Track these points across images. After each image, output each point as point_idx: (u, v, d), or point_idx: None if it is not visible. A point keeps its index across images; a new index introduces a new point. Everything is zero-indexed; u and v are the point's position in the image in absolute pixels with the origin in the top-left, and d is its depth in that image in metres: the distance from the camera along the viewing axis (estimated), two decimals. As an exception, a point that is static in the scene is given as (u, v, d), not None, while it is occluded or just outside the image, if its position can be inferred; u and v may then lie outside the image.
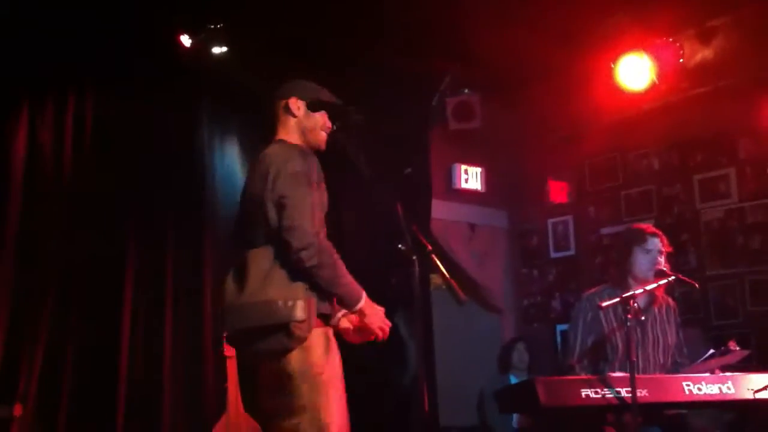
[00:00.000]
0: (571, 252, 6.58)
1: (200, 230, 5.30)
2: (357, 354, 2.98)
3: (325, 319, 2.73)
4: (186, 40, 4.82)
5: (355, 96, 3.19)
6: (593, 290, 4.01)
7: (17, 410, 4.30)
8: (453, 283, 3.11)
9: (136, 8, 4.47)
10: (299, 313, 2.62)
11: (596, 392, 3.36)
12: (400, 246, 2.79)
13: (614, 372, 3.68)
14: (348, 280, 2.72)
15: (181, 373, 5.07)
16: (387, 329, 2.77)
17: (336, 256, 2.70)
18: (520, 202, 6.93)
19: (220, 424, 4.74)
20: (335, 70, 3.20)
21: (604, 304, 3.53)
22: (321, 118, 2.97)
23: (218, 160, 5.50)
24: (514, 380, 5.73)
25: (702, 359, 3.83)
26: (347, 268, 2.71)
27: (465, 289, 3.48)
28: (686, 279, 3.82)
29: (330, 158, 3.01)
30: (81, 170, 4.85)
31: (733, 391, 3.54)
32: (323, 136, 2.97)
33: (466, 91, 6.17)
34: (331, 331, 2.76)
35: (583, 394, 3.33)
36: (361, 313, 2.75)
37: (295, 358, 2.65)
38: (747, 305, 5.46)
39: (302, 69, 4.62)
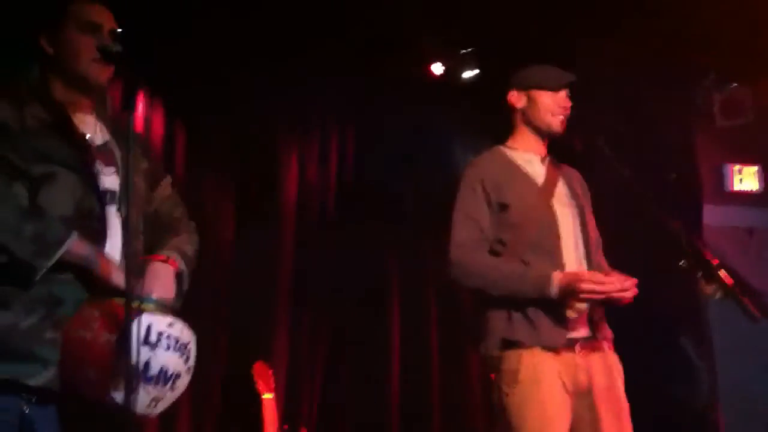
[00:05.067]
0: None
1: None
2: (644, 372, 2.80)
3: None
4: (437, 68, 4.88)
5: (614, 101, 3.01)
6: None
7: (303, 433, 4.55)
8: (745, 300, 2.82)
9: (388, 44, 4.60)
10: None
11: None
12: (681, 263, 2.57)
13: None
14: None
15: (450, 393, 5.14)
16: None
17: None
18: (806, 199, 6.25)
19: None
20: (590, 77, 3.02)
21: None
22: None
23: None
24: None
25: None
26: None
27: (755, 304, 3.14)
28: None
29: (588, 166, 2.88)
30: (345, 201, 5.10)
31: None
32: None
33: (734, 84, 5.67)
34: None
35: None
36: None
37: None
38: None
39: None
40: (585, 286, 2.53)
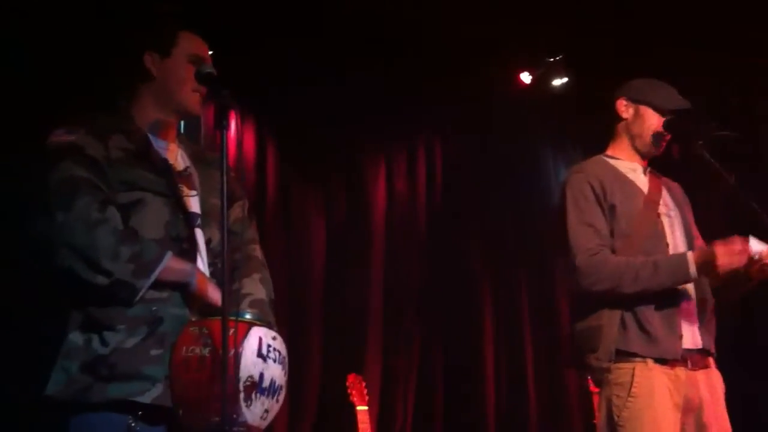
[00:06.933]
0: None
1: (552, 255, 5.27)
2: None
3: None
4: (526, 77, 4.85)
5: (711, 108, 2.92)
6: None
7: (398, 445, 4.55)
8: None
9: (475, 55, 4.59)
10: None
11: None
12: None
13: None
14: None
15: (546, 404, 5.10)
16: None
17: None
18: None
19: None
20: (677, 81, 2.94)
21: None
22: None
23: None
24: None
25: None
26: None
27: None
28: None
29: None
30: (433, 213, 5.10)
31: None
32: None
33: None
34: None
35: None
36: None
37: None
38: None
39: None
40: (721, 258, 2.44)
